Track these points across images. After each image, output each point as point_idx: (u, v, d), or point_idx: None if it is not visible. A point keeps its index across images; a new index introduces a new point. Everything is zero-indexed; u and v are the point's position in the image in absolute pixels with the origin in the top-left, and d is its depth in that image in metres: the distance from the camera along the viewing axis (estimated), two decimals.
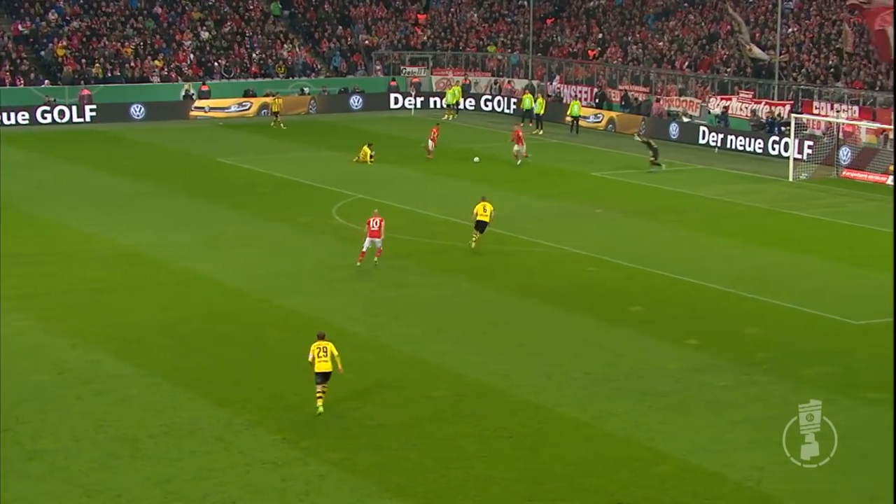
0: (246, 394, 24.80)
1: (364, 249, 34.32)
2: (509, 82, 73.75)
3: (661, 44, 69.73)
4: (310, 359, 23.71)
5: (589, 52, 72.68)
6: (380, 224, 34.12)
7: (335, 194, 45.80)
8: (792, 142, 51.44)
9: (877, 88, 55.71)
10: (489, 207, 36.65)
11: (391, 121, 67.45)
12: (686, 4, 73.57)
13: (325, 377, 23.68)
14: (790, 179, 49.37)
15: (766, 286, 32.90)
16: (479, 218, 36.54)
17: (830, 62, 59.54)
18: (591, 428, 23.10)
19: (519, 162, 51.58)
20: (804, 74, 59.98)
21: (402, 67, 75.25)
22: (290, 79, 71.99)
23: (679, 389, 25.09)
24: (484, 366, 26.63)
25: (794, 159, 50.52)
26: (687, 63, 66.38)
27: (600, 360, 27.07)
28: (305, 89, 71.34)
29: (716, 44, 66.91)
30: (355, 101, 71.27)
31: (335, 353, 23.72)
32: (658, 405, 24.21)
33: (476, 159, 51.89)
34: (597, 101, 66.97)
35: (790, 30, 63.92)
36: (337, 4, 78.87)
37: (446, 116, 68.25)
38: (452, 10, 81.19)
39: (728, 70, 63.79)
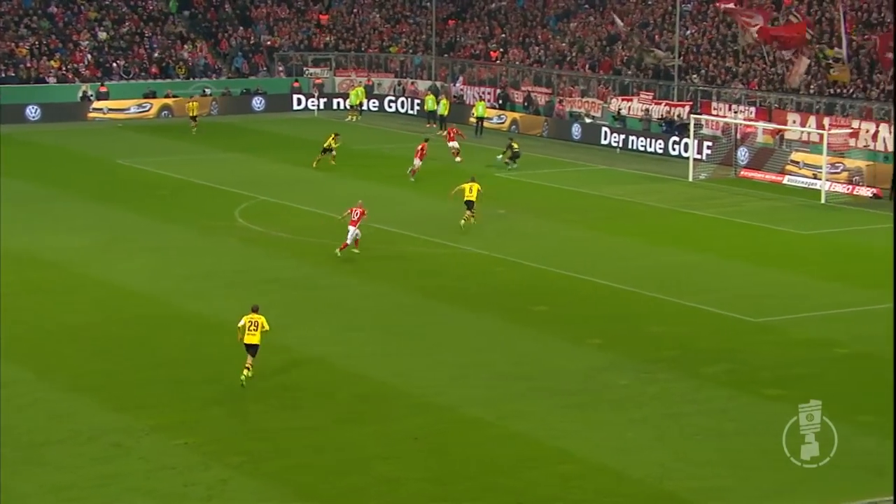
0: (147, 399, 24.50)
1: (347, 241, 35.58)
2: (413, 83, 73.82)
3: (562, 45, 70.34)
4: (239, 325, 24.92)
5: (491, 53, 73.05)
6: (360, 215, 35.54)
7: (238, 196, 45.43)
8: (691, 142, 52.22)
9: (772, 89, 56.79)
10: (476, 187, 39.31)
11: (294, 122, 67.12)
12: (587, 6, 74.27)
13: (252, 349, 24.86)
14: (690, 179, 50.10)
15: (667, 285, 33.36)
16: (466, 198, 39.12)
17: (728, 63, 60.54)
18: (497, 428, 23.20)
19: (458, 159, 51.92)
20: (702, 76, 60.92)
21: (304, 68, 74.92)
22: (191, 80, 71.26)
23: (583, 388, 25.32)
24: (389, 367, 26.62)
25: (694, 159, 51.27)
26: (588, 64, 67.05)
27: (505, 360, 27.21)
28: (207, 90, 70.69)
29: (616, 45, 67.67)
30: (258, 103, 70.78)
31: (266, 327, 24.89)
32: (562, 404, 24.40)
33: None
34: (500, 102, 67.32)
35: (688, 31, 64.87)
36: (238, 5, 78.26)
37: (349, 118, 68.09)
38: (355, 10, 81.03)
39: (629, 71, 64.54)
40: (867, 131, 50.48)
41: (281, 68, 74.73)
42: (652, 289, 32.95)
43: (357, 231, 35.58)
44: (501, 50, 72.99)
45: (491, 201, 45.03)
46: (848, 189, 47.54)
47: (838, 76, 54.36)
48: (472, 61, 72.70)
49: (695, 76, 61.11)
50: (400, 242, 38.51)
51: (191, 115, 61.58)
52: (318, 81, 73.65)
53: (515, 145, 52.48)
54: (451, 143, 52.97)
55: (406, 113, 70.13)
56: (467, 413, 23.92)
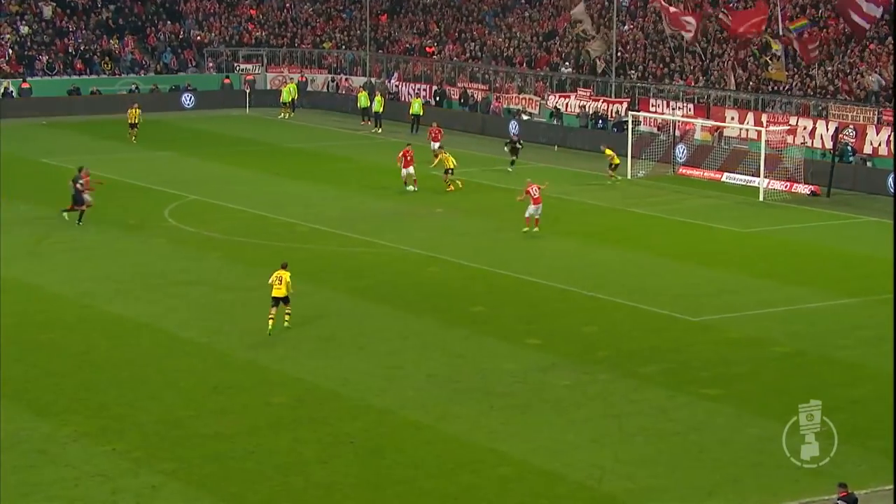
0: (71, 404, 24.29)
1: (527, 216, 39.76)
2: (347, 80, 73.71)
3: (499, 41, 70.56)
4: (269, 281, 28.87)
5: (427, 48, 73.12)
6: (538, 192, 38.91)
7: (167, 196, 45.12)
8: (629, 139, 52.61)
9: (711, 86, 57.38)
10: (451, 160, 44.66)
11: (225, 119, 66.75)
12: (523, 1, 74.58)
13: (277, 301, 28.72)
14: (628, 177, 50.47)
15: (605, 284, 33.60)
16: (447, 166, 44.57)
17: (666, 59, 61.07)
18: (433, 430, 23.26)
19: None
20: (640, 72, 61.42)
21: (235, 64, 74.53)
22: (118, 76, 70.62)
23: (520, 390, 25.44)
24: (323, 370, 26.59)
25: (632, 157, 51.67)
26: (525, 60, 67.31)
27: (442, 361, 27.28)
28: (134, 87, 70.10)
29: (553, 41, 68.01)
30: (187, 100, 70.30)
31: (288, 281, 28.68)
32: (500, 406, 24.51)
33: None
34: (436, 98, 67.40)
35: (626, 27, 65.37)
36: None
37: (282, 115, 67.85)
38: (287, 5, 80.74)
39: (567, 68, 64.87)
40: (804, 128, 51.17)
41: (211, 64, 74.29)
42: (590, 288, 33.17)
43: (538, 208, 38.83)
44: (437, 46, 73.09)
45: (428, 200, 45.17)
46: (786, 186, 48.17)
47: (775, 74, 55.04)
48: (407, 57, 72.73)
49: (632, 72, 61.62)
50: (332, 241, 38.45)
51: (131, 121, 58.13)
52: (249, 78, 73.31)
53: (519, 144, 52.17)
54: (434, 144, 51.02)
55: (340, 110, 69.89)
56: (404, 416, 23.96)
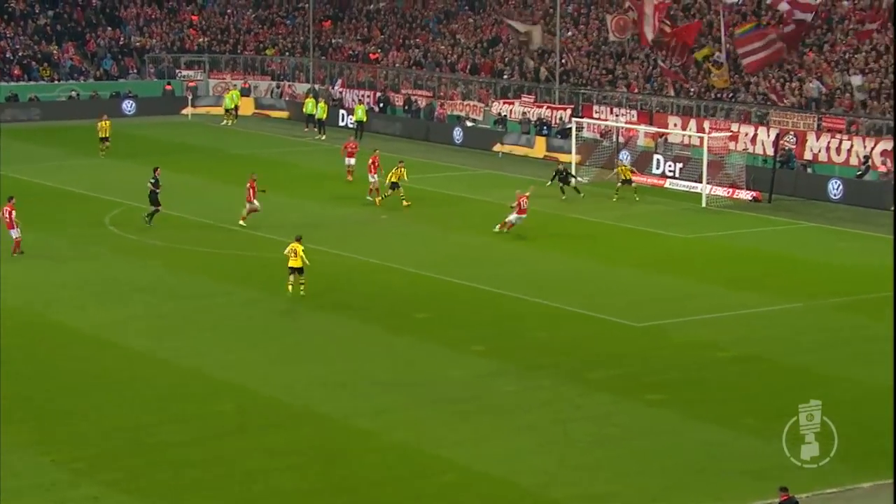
0: (11, 413, 24.01)
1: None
2: (290, 86, 73.53)
3: (442, 47, 70.70)
4: (284, 252, 32.29)
5: (370, 55, 73.12)
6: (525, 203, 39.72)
7: (108, 203, 44.78)
8: (573, 146, 52.89)
9: (654, 93, 57.85)
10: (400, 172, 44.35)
11: (167, 126, 66.32)
12: (467, 8, 74.80)
13: (293, 270, 32.10)
14: (572, 184, 50.64)
15: (550, 291, 33.75)
16: (392, 179, 44.24)
17: (609, 66, 61.49)
18: (379, 438, 23.26)
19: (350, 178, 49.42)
20: (584, 78, 61.77)
21: (177, 71, 74.11)
22: (57, 82, 69.99)
23: (466, 396, 25.49)
24: (271, 378, 26.50)
25: (576, 163, 51.93)
26: (469, 67, 67.49)
27: (388, 368, 27.29)
28: (74, 93, 69.48)
29: (497, 48, 68.25)
30: (128, 106, 69.78)
31: (302, 254, 31.96)
32: (446, 412, 24.55)
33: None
34: (380, 105, 67.39)
35: (569, 33, 65.74)
36: (106, 4, 77.09)
37: (225, 122, 67.53)
38: (228, 11, 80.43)
39: (510, 74, 65.13)
40: (746, 134, 51.71)
41: (152, 70, 73.82)
42: (535, 294, 33.31)
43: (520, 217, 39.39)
44: (381, 52, 73.12)
45: (373, 207, 45.13)
46: (728, 192, 48.63)
47: (717, 81, 55.57)
48: (350, 64, 72.68)
49: (575, 79, 61.97)
50: (276, 249, 38.29)
51: (101, 135, 55.49)
52: (191, 84, 72.91)
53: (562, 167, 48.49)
54: (349, 160, 49.44)
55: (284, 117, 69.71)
56: (350, 423, 23.93)
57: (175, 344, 28.73)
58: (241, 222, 40.94)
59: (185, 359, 27.66)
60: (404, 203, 44.87)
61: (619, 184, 47.70)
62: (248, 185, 41.11)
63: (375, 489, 21.20)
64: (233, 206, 44.32)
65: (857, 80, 51.84)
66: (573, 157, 52.13)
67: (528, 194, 40.42)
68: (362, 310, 31.90)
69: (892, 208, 42.56)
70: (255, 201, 40.96)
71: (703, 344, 29.24)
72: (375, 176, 45.61)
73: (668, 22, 55.63)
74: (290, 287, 32.22)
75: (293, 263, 32.23)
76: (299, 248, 32.16)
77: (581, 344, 29.28)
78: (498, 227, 40.16)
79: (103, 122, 56.10)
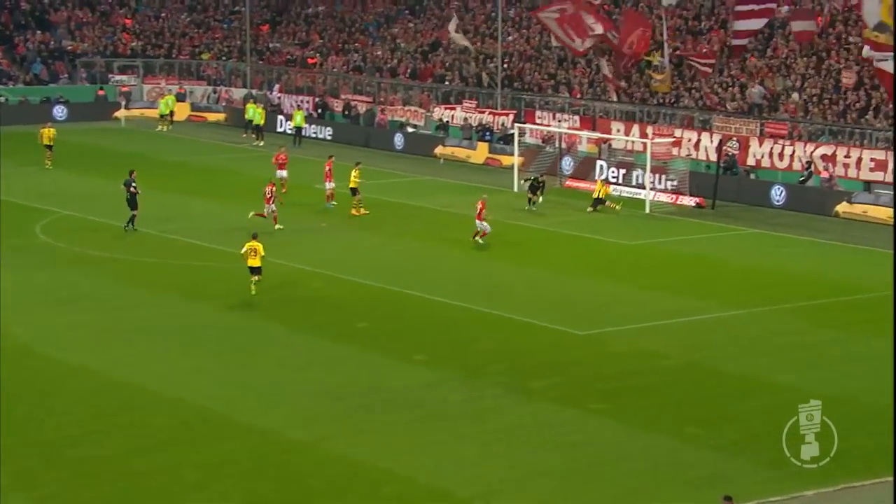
0: None
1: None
2: (227, 91, 73.16)
3: (378, 53, 70.60)
4: (242, 251, 32.46)
5: (309, 59, 72.93)
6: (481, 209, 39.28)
7: (39, 212, 44.28)
8: (516, 152, 53.04)
9: (596, 98, 58.16)
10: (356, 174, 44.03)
11: (100, 132, 65.71)
12: (407, 12, 74.83)
13: (255, 270, 32.52)
14: (515, 190, 50.85)
15: (493, 298, 33.79)
16: (350, 185, 43.81)
17: (552, 71, 61.74)
18: (318, 450, 23.14)
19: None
20: (525, 84, 61.97)
21: (110, 75, 73.48)
22: None
23: (407, 406, 25.44)
24: (205, 390, 26.29)
25: (519, 169, 52.08)
26: (409, 72, 67.49)
27: (327, 379, 27.17)
28: (2, 98, 68.66)
29: (438, 52, 68.32)
30: (59, 112, 69.07)
31: (262, 253, 32.34)
32: (387, 423, 24.48)
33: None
34: (318, 111, 67.22)
35: (510, 37, 65.95)
36: (35, 7, 76.29)
37: (160, 127, 67.04)
38: (163, 14, 79.90)
39: (451, 79, 65.20)
40: (689, 140, 52.10)
41: (84, 75, 73.15)
42: (477, 302, 33.33)
43: (484, 224, 38.99)
44: (320, 57, 72.94)
45: (312, 215, 44.97)
46: (672, 199, 48.96)
47: (659, 87, 55.97)
48: (288, 68, 72.44)
49: (517, 84, 62.17)
50: (211, 257, 38.08)
51: (45, 143, 53.71)
52: (124, 89, 72.32)
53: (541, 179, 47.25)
54: (281, 172, 47.79)
55: (221, 122, 69.25)
56: (287, 435, 23.79)
57: (107, 356, 28.42)
58: (277, 226, 41.28)
59: (116, 370, 27.37)
60: (362, 210, 44.55)
61: (598, 204, 46.69)
62: (268, 189, 41.52)
63: (315, 502, 21.07)
64: (168, 215, 44.01)
65: (757, 91, 52.40)
66: (515, 162, 52.27)
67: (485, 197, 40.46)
68: (301, 319, 31.76)
69: (892, 222, 42.90)
70: (273, 205, 41.41)
71: (646, 352, 29.39)
72: (332, 182, 45.21)
73: (615, 33, 55.78)
74: (253, 287, 32.67)
75: (253, 263, 32.58)
76: (260, 246, 32.57)
77: (524, 352, 29.32)
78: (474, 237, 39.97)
79: (47, 130, 54.50)
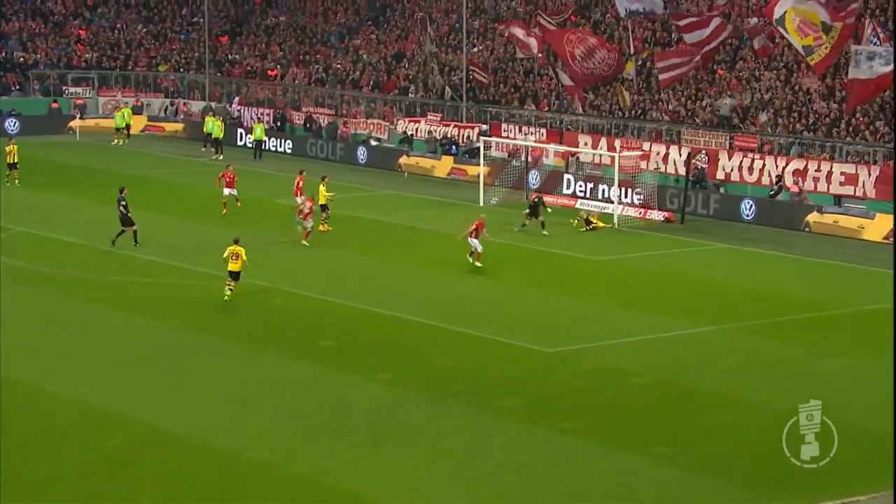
0: None
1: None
2: (185, 104, 73.05)
3: (339, 65, 70.65)
4: (224, 256, 33.41)
5: (269, 71, 72.93)
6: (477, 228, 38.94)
7: None
8: (481, 165, 53.23)
9: (563, 111, 58.47)
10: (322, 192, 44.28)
11: (53, 146, 65.47)
12: (369, 23, 74.97)
13: (234, 275, 33.44)
14: (480, 204, 51.03)
15: (458, 315, 33.87)
16: (321, 202, 43.97)
17: (517, 83, 62.02)
18: (280, 471, 23.12)
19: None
20: (491, 95, 62.21)
21: (64, 88, 73.24)
22: None
23: (371, 425, 25.45)
24: (164, 409, 26.23)
25: (484, 184, 52.28)
26: (372, 83, 67.60)
27: (289, 398, 27.16)
28: None
29: (402, 64, 68.47)
30: (11, 125, 68.78)
31: (244, 258, 33.26)
32: (351, 443, 24.49)
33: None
34: (278, 123, 67.23)
35: (475, 49, 66.20)
36: None
37: (116, 141, 66.87)
38: (118, 25, 79.71)
39: (415, 91, 65.38)
40: (658, 153, 52.45)
41: (37, 87, 72.85)
42: (442, 320, 33.40)
43: (476, 243, 38.52)
44: (280, 69, 72.95)
45: (272, 230, 44.97)
46: (640, 213, 49.27)
47: (626, 99, 56.31)
48: (248, 80, 72.41)
49: (483, 96, 62.41)
50: (172, 274, 38.02)
51: (10, 160, 53.02)
52: (79, 102, 72.11)
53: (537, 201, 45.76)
54: (227, 191, 47.86)
55: (179, 135, 69.15)
56: (249, 456, 23.76)
57: (62, 374, 28.31)
58: (303, 242, 42.00)
59: (71, 390, 27.26)
60: (326, 227, 44.32)
61: (585, 227, 46.34)
62: (307, 204, 41.99)
63: None
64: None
65: (726, 103, 52.90)
66: (481, 177, 52.48)
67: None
68: (262, 337, 31.74)
69: (892, 239, 43.35)
70: (309, 221, 41.95)
71: (615, 369, 29.53)
72: (302, 198, 44.94)
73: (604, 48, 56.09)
74: (228, 292, 33.61)
75: (233, 267, 33.39)
76: (242, 250, 33.41)
77: (490, 370, 29.41)
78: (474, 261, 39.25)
79: (11, 147, 53.82)
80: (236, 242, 33.88)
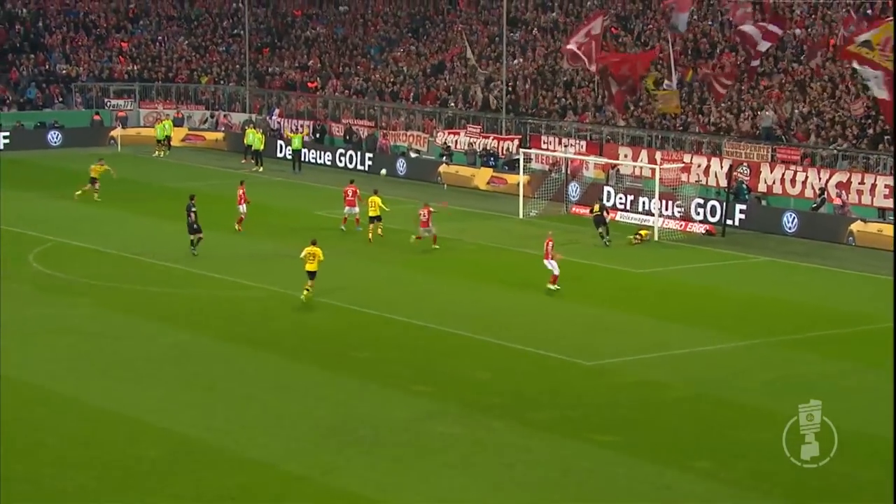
0: None
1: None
2: (226, 116, 73.39)
3: (378, 76, 70.77)
4: (301, 255, 35.08)
5: (309, 83, 73.17)
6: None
7: (33, 239, 44.39)
8: (521, 178, 53.14)
9: (604, 122, 58.29)
10: (376, 201, 44.44)
11: (95, 158, 65.72)
12: (410, 35, 75.09)
13: (311, 275, 34.86)
14: (520, 216, 50.93)
15: (497, 327, 33.79)
16: (371, 213, 44.43)
17: (558, 95, 61.90)
18: (318, 484, 23.12)
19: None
20: (532, 108, 62.13)
21: (106, 100, 73.76)
22: None
23: (409, 439, 25.41)
24: (203, 422, 26.29)
25: (524, 196, 52.18)
26: (412, 95, 67.68)
27: (327, 410, 27.16)
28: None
29: (442, 75, 68.53)
30: (54, 137, 69.30)
31: (321, 258, 34.91)
32: (388, 456, 24.45)
33: None
34: (317, 135, 67.42)
35: (516, 61, 66.17)
36: (30, 30, 76.62)
37: (157, 153, 67.26)
38: (160, 38, 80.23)
39: (455, 103, 65.38)
40: (699, 165, 52.19)
41: (79, 100, 73.42)
42: (480, 332, 33.34)
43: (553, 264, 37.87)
44: (320, 81, 73.19)
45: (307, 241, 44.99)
46: (681, 226, 49.03)
47: (665, 107, 55.95)
48: (288, 93, 72.69)
49: (523, 108, 62.34)
50: (210, 285, 38.15)
51: (92, 176, 53.05)
52: (121, 114, 72.60)
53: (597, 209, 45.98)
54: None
55: (221, 148, 69.48)
56: (287, 469, 23.77)
57: (100, 386, 28.44)
58: (434, 246, 43.49)
59: (110, 402, 27.37)
60: (379, 232, 45.09)
61: (635, 239, 46.41)
62: (424, 212, 43.48)
63: None
64: (161, 241, 44.09)
65: (768, 116, 52.54)
66: (521, 189, 52.40)
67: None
68: (299, 349, 31.78)
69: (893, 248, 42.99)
70: (431, 226, 43.43)
71: (653, 383, 29.37)
72: (356, 208, 46.05)
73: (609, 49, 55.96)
74: (305, 292, 34.88)
75: (310, 267, 34.81)
76: (319, 251, 34.87)
77: (528, 383, 29.31)
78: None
79: (97, 166, 53.59)
80: (314, 244, 35.16)
